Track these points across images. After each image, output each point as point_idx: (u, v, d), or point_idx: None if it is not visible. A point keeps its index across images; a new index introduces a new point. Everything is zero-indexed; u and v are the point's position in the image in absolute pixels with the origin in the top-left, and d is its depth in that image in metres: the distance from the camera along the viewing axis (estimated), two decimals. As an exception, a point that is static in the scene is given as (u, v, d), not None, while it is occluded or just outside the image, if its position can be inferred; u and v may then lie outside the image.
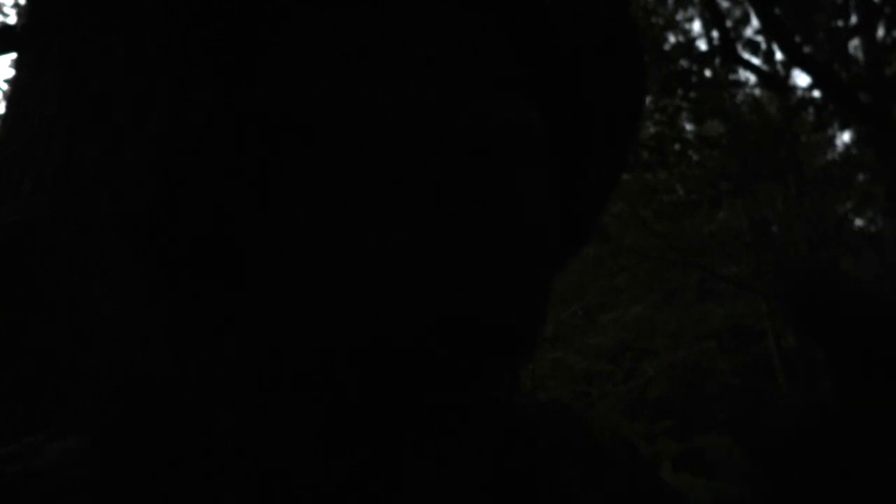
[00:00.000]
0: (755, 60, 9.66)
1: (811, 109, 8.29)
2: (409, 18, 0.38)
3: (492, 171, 0.35)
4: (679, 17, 10.06)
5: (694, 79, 7.95)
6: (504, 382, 0.47)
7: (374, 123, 0.36)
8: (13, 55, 1.88)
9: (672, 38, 9.33)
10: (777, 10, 7.42)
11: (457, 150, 0.35)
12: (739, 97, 10.29)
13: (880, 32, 8.63)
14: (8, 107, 1.52)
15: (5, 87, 5.26)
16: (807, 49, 8.49)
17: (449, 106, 0.36)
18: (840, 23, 8.40)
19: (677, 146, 8.09)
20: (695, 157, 8.42)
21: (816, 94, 8.39)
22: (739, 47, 9.23)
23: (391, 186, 0.35)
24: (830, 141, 12.95)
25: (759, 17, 7.51)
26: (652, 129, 7.99)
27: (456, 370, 0.35)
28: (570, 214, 0.45)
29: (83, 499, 0.37)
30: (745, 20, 10.73)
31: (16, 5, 5.32)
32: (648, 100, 8.17)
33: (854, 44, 9.31)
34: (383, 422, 0.38)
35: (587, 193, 0.47)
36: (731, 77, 8.94)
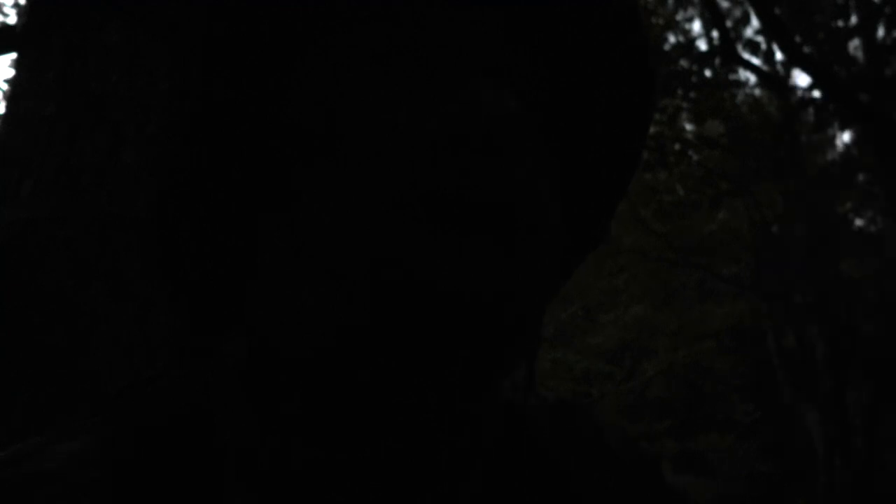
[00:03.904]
0: (755, 60, 9.68)
1: (811, 109, 8.30)
2: (422, 31, 0.38)
3: (473, 160, 0.35)
4: (679, 17, 10.06)
5: (694, 79, 7.96)
6: (518, 382, 0.48)
7: (388, 131, 0.36)
8: (13, 55, 1.88)
9: (672, 38, 9.34)
10: (777, 10, 7.43)
11: (440, 141, 0.35)
12: (739, 97, 10.30)
13: (880, 32, 8.64)
14: (8, 107, 1.52)
15: (5, 87, 5.26)
16: (807, 49, 8.50)
17: (439, 97, 0.36)
18: (840, 23, 8.41)
19: (677, 146, 8.10)
20: (695, 157, 8.44)
21: (816, 94, 8.41)
22: (739, 47, 9.25)
23: (389, 187, 0.35)
24: (830, 141, 12.96)
25: (759, 17, 7.52)
26: (652, 129, 8.00)
27: (453, 364, 0.35)
28: (576, 217, 0.45)
29: (90, 501, 0.38)
30: (745, 20, 10.73)
31: (16, 5, 5.33)
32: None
33: (854, 44, 9.32)
34: (386, 423, 0.38)
35: (593, 196, 0.47)
36: (731, 77, 8.96)
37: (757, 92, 11.36)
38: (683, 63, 8.04)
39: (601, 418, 0.55)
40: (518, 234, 0.36)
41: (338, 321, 0.35)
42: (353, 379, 0.36)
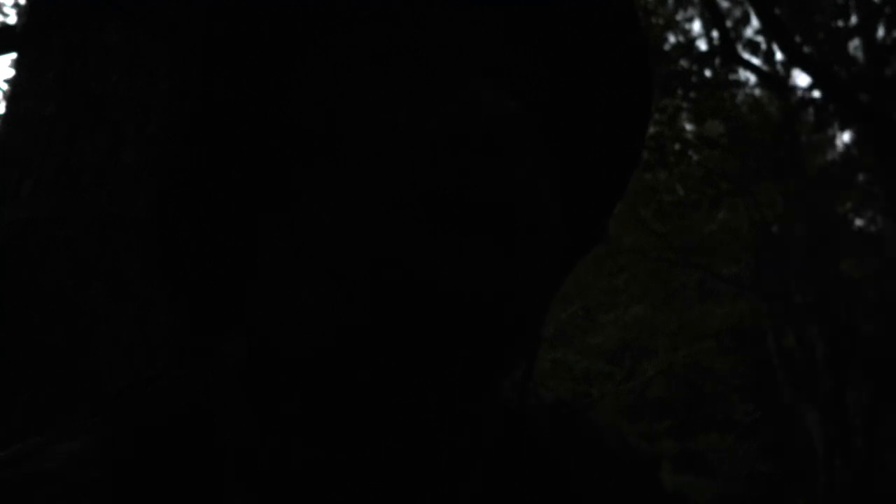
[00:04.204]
0: (755, 60, 9.69)
1: (811, 109, 8.31)
2: (422, 31, 0.38)
3: (473, 160, 0.35)
4: (679, 17, 10.06)
5: (694, 79, 7.96)
6: (517, 382, 0.48)
7: (388, 131, 0.36)
8: (13, 55, 1.88)
9: (672, 38, 9.34)
10: (777, 10, 7.44)
11: (440, 141, 0.35)
12: (739, 97, 10.30)
13: (880, 32, 8.65)
14: (8, 107, 1.52)
15: (5, 87, 5.26)
16: (807, 49, 8.50)
17: (439, 97, 0.36)
18: (840, 23, 8.42)
19: (677, 146, 8.10)
20: (695, 157, 8.43)
21: (816, 94, 8.41)
22: (739, 47, 9.25)
23: (389, 187, 0.35)
24: (830, 141, 12.95)
25: (759, 17, 7.52)
26: (652, 129, 8.00)
27: (453, 364, 0.35)
28: (576, 216, 0.45)
29: (90, 501, 0.38)
30: (745, 20, 10.73)
31: (16, 5, 5.33)
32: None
33: (854, 44, 9.32)
34: (386, 423, 0.38)
35: (593, 196, 0.47)
36: (731, 77, 8.96)
37: (757, 92, 11.37)
38: (683, 63, 8.04)
39: (600, 419, 0.55)
40: (518, 233, 0.36)
41: (338, 321, 0.35)
42: (353, 379, 0.36)
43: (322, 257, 0.35)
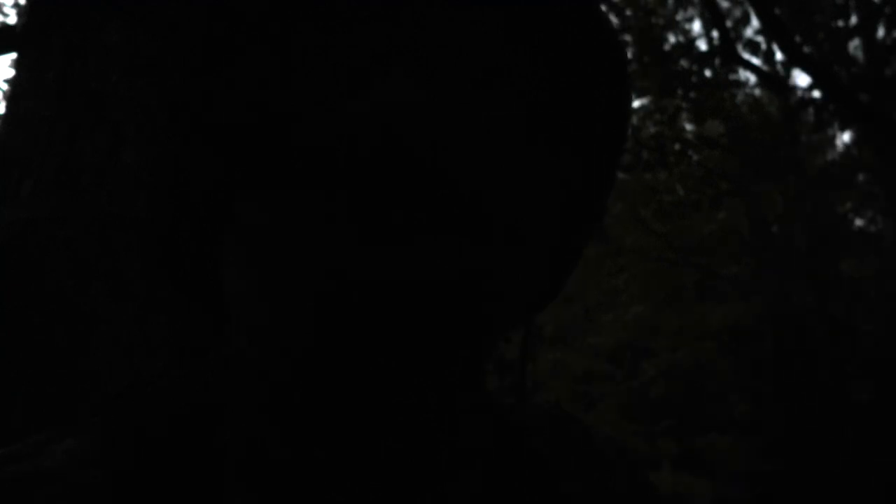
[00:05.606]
0: (755, 60, 9.68)
1: (811, 109, 8.30)
2: (422, 31, 0.38)
3: (461, 156, 0.36)
4: (679, 17, 10.06)
5: (694, 79, 7.96)
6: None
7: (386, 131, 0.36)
8: (13, 55, 1.88)
9: (672, 38, 9.34)
10: (777, 10, 7.44)
11: (440, 141, 0.35)
12: (739, 97, 10.29)
13: (880, 32, 8.65)
14: (8, 107, 1.52)
15: (5, 87, 5.26)
16: (807, 49, 8.50)
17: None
18: (840, 23, 8.42)
19: (677, 146, 8.09)
20: (695, 157, 8.42)
21: (816, 94, 8.40)
22: (739, 47, 9.25)
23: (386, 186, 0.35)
24: (830, 141, 12.95)
25: (759, 17, 7.52)
26: (652, 129, 7.99)
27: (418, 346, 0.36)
28: (569, 216, 0.45)
29: (90, 500, 0.38)
30: (745, 20, 10.73)
31: (16, 5, 5.33)
32: (648, 100, 8.17)
33: (854, 44, 9.33)
34: (385, 423, 0.38)
35: (585, 196, 0.47)
36: (731, 77, 8.95)
37: (757, 92, 11.36)
38: (683, 63, 8.03)
39: (597, 425, 0.56)
40: (489, 227, 0.37)
41: (329, 323, 0.35)
42: (350, 380, 0.36)
43: (282, 264, 0.35)
